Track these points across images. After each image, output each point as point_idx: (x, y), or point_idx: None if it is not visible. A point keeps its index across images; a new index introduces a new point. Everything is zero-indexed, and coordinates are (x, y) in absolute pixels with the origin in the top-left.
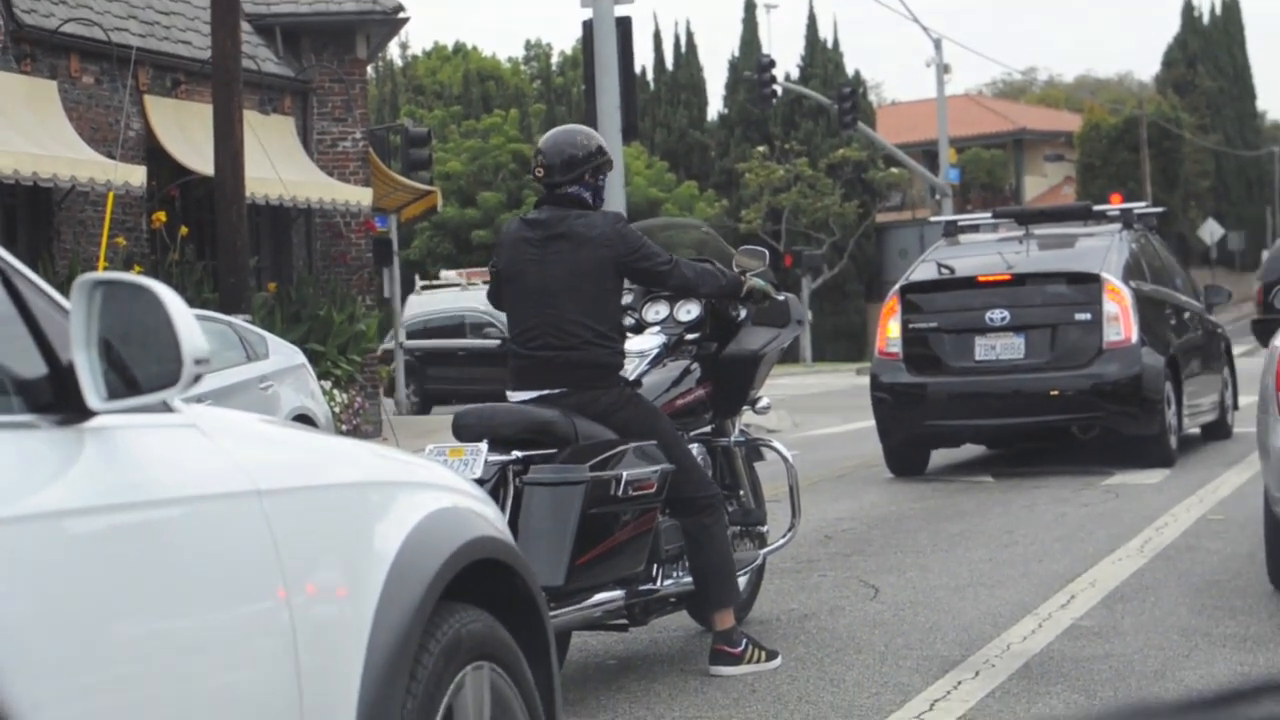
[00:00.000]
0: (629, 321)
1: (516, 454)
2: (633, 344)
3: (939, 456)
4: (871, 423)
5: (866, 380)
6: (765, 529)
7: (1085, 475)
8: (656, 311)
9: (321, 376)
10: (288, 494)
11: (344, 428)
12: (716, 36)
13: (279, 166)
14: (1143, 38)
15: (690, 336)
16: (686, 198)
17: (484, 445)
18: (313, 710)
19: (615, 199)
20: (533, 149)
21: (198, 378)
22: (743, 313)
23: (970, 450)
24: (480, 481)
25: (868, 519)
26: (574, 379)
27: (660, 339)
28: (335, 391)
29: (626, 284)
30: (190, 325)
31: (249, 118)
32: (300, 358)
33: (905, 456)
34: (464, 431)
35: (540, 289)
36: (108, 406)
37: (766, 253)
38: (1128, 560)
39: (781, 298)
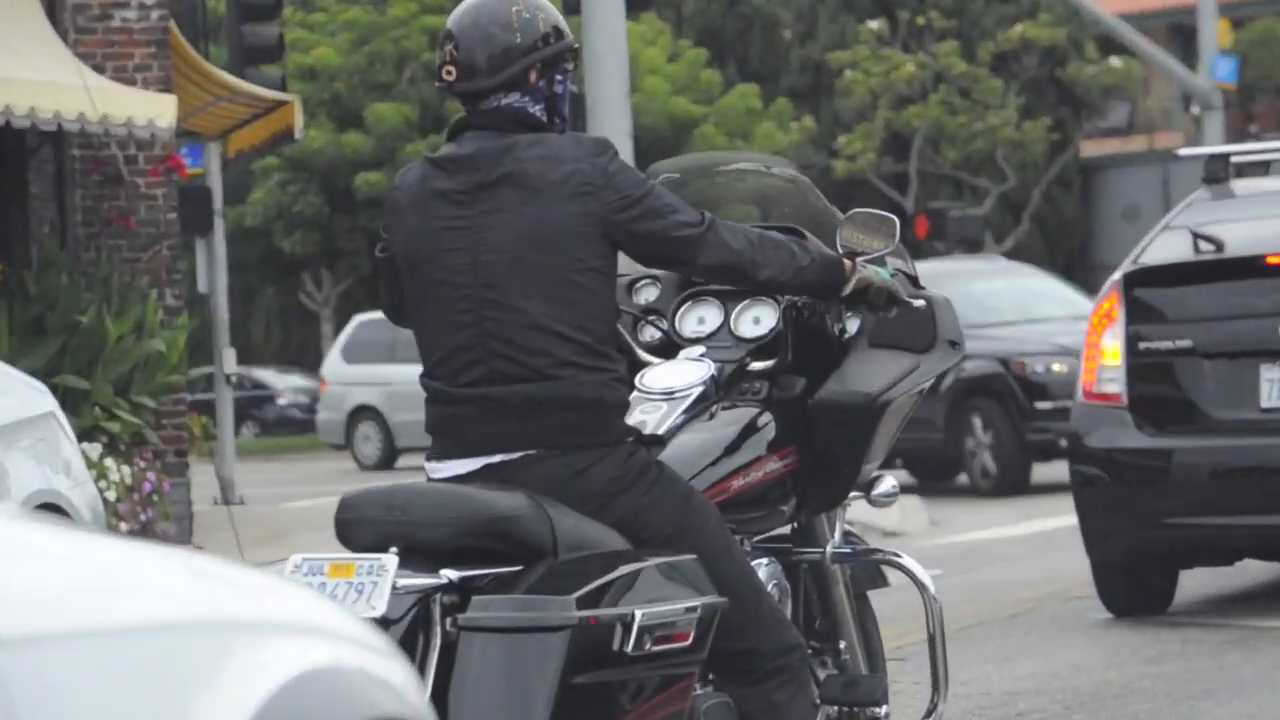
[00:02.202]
0: (653, 335)
1: (448, 575)
2: (657, 376)
3: (1194, 581)
4: (1070, 520)
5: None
6: (884, 711)
7: None
8: (700, 319)
9: (84, 435)
10: (36, 645)
11: (124, 526)
12: None
13: (4, 53)
14: None
15: (759, 365)
16: (742, 113)
17: (391, 558)
18: None
19: (613, 115)
20: None
21: None
22: (852, 325)
23: (1251, 571)
24: (384, 622)
25: (1066, 692)
26: (543, 431)
27: (706, 369)
28: (110, 461)
29: (633, 268)
30: None
31: None
32: (46, 402)
33: (1133, 580)
34: (355, 531)
35: (470, 279)
36: None
37: (896, 222)
38: None
39: (920, 302)
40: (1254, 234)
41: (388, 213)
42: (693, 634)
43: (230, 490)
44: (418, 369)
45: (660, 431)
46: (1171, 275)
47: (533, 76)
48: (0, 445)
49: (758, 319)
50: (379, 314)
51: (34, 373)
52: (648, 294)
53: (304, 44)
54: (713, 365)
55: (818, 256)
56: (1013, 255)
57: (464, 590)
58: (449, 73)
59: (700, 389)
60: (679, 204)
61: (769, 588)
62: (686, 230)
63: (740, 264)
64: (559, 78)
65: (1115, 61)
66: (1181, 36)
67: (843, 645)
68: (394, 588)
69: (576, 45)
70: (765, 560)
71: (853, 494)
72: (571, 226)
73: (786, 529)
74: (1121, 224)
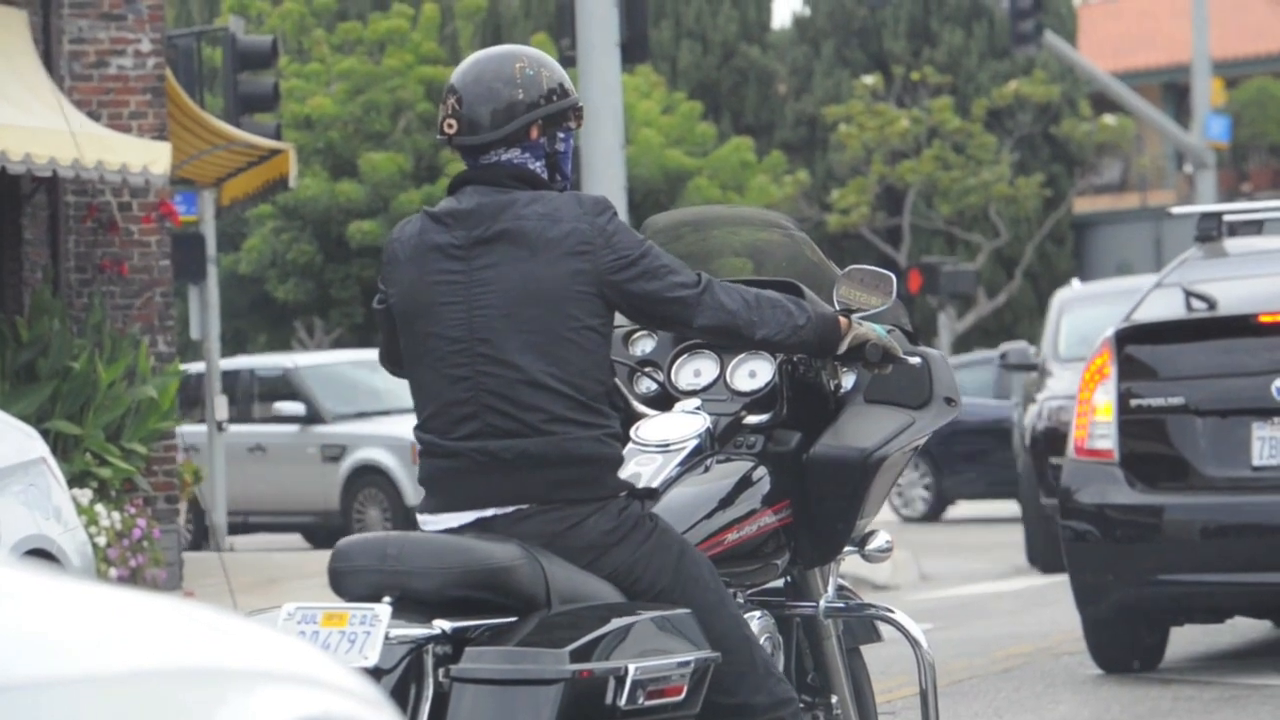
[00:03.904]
0: (649, 388)
1: (441, 625)
2: (652, 429)
3: (1185, 638)
4: (1060, 576)
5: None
6: None
7: None
8: (696, 372)
9: (75, 481)
10: (27, 692)
11: (114, 572)
12: None
13: (0, 100)
14: None
15: (754, 419)
16: (736, 166)
17: (385, 608)
18: None
19: (607, 168)
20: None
21: None
22: (848, 381)
23: (1242, 629)
24: (377, 672)
25: None
26: (536, 486)
27: (701, 422)
28: (100, 507)
29: (626, 324)
30: None
31: None
32: (37, 447)
33: (1124, 637)
34: (349, 580)
35: (467, 332)
36: None
37: (893, 279)
38: None
39: (916, 359)
40: (1246, 292)
41: (386, 264)
42: (686, 688)
43: (221, 537)
44: None
45: (655, 484)
46: (1164, 333)
47: (534, 133)
48: None
49: (753, 373)
50: None
51: (25, 418)
52: (643, 346)
53: (299, 93)
54: (708, 418)
55: (814, 316)
56: (1005, 311)
57: (457, 641)
58: (450, 126)
59: (695, 442)
60: (677, 265)
61: (762, 641)
62: (683, 291)
63: (736, 325)
64: (561, 135)
65: (1109, 119)
66: (1175, 95)
67: (835, 699)
68: (387, 638)
69: (580, 104)
70: (758, 614)
71: (847, 548)
72: (568, 285)
73: (780, 582)
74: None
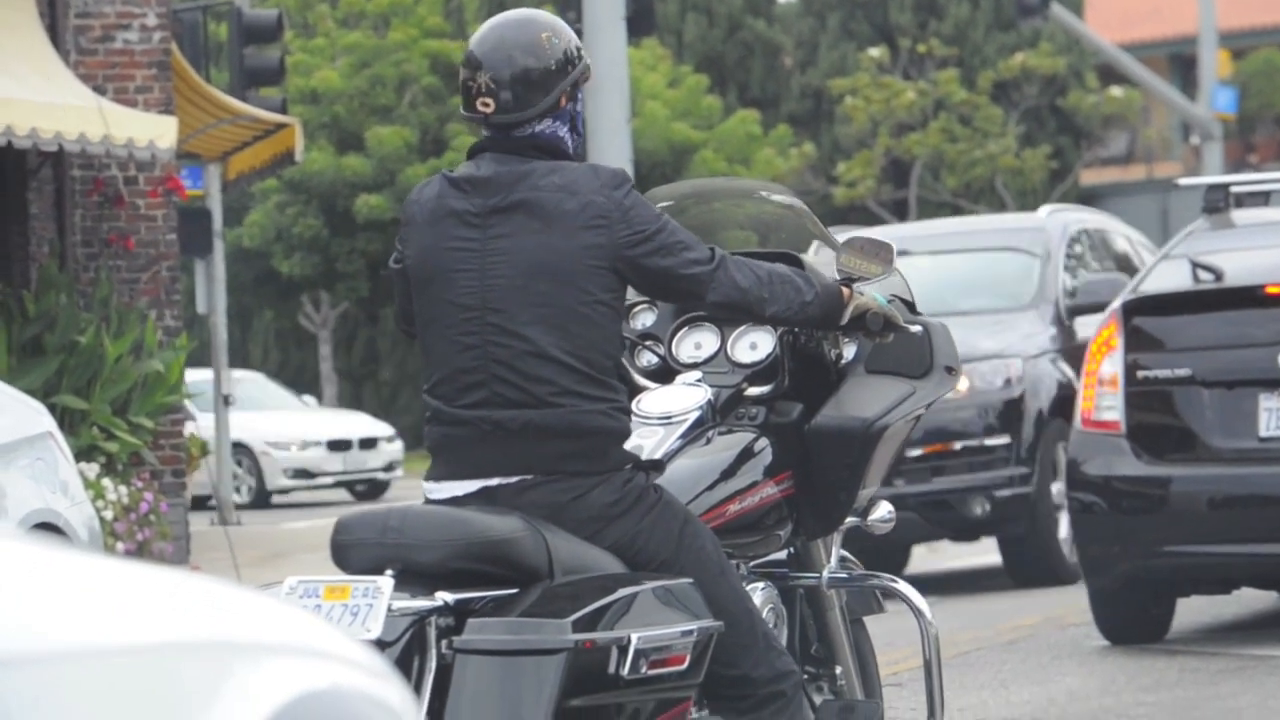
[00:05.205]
0: (650, 361)
1: (444, 597)
2: (653, 401)
3: (1191, 609)
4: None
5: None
6: None
7: None
8: (696, 344)
9: (82, 455)
10: (34, 666)
11: (121, 546)
12: None
13: (6, 74)
14: None
15: (755, 391)
16: (742, 139)
17: (387, 581)
18: None
19: (613, 141)
20: (463, 48)
21: None
22: (849, 351)
23: (1248, 600)
24: (380, 645)
25: (1063, 719)
26: (541, 457)
27: (702, 394)
28: (107, 481)
29: (635, 297)
30: None
31: None
32: (44, 421)
33: (1130, 608)
34: (351, 553)
35: (479, 301)
36: None
37: (893, 247)
38: None
39: (917, 328)
40: (1253, 264)
41: (403, 225)
42: (689, 657)
43: (227, 511)
44: None
45: (657, 456)
46: (1170, 304)
47: (563, 101)
48: None
49: (754, 344)
50: None
51: (32, 392)
52: (644, 319)
53: (305, 67)
54: (709, 390)
55: (820, 290)
56: None
57: (459, 613)
58: (486, 105)
59: (697, 414)
60: (691, 240)
61: (765, 612)
62: (696, 268)
63: (748, 301)
64: (579, 94)
65: (1115, 91)
66: (1181, 67)
67: (838, 671)
68: (389, 610)
69: (589, 61)
70: (761, 585)
71: (849, 519)
72: (582, 258)
73: (783, 554)
74: None
